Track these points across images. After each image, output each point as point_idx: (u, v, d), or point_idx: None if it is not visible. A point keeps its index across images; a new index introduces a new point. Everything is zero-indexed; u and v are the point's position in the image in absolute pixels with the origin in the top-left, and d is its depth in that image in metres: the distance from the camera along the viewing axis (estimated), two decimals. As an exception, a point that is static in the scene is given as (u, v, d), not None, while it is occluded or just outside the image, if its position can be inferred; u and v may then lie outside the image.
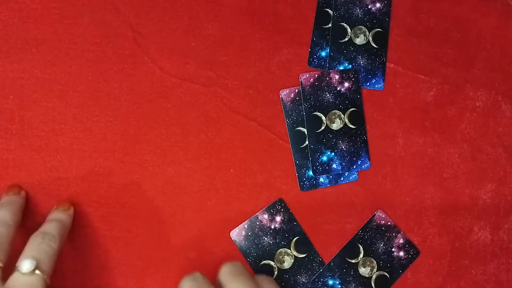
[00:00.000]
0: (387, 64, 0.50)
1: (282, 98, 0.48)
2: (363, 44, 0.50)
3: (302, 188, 0.48)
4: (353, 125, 0.49)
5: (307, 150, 0.48)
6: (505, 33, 0.52)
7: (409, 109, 0.50)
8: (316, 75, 0.49)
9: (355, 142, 0.49)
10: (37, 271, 0.37)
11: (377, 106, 0.50)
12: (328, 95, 0.49)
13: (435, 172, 0.50)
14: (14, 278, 0.37)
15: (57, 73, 0.46)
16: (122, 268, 0.46)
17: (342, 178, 0.49)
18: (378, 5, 0.50)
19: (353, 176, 0.49)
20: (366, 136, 0.49)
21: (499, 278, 0.50)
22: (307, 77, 0.49)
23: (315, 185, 0.48)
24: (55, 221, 0.42)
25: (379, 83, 0.50)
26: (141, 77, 0.47)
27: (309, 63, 0.49)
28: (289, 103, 0.48)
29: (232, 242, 0.47)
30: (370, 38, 0.50)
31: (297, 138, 0.48)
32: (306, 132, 0.48)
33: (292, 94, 0.48)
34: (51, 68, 0.46)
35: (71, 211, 0.44)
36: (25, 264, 0.37)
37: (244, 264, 0.46)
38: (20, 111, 0.45)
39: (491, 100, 0.51)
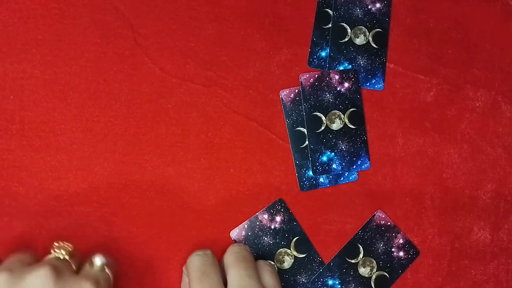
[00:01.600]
0: (387, 64, 0.50)
1: (282, 98, 0.48)
2: (363, 44, 0.50)
3: (302, 188, 0.48)
4: (353, 125, 0.49)
5: (307, 150, 0.48)
6: (505, 33, 0.52)
7: (409, 109, 0.50)
8: (316, 75, 0.49)
9: (355, 142, 0.49)
10: (106, 269, 0.41)
11: (377, 106, 0.50)
12: (328, 95, 0.49)
13: (435, 172, 0.50)
14: (87, 271, 0.40)
15: (57, 73, 0.46)
16: (122, 268, 0.46)
17: (342, 178, 0.49)
18: (378, 5, 0.50)
19: (353, 176, 0.49)
20: (366, 136, 0.49)
21: (498, 278, 0.50)
22: (307, 77, 0.49)
23: (315, 185, 0.48)
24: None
25: (379, 83, 0.50)
26: (141, 77, 0.47)
27: (309, 63, 0.49)
28: (289, 103, 0.48)
29: (232, 242, 0.47)
30: (370, 38, 0.50)
31: (297, 138, 0.48)
32: (306, 132, 0.48)
33: (292, 94, 0.48)
34: (51, 68, 0.46)
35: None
36: (98, 260, 0.40)
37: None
38: (20, 111, 0.45)
39: (491, 100, 0.51)
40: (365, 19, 0.50)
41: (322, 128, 0.49)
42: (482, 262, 0.50)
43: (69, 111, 0.46)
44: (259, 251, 0.47)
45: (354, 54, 0.49)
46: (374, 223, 0.49)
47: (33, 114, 0.45)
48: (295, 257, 0.48)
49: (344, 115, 0.49)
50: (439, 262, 0.49)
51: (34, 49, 0.45)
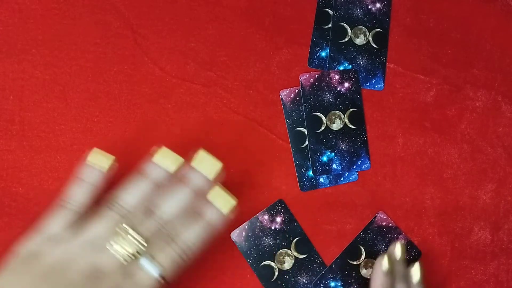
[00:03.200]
0: (387, 64, 0.50)
1: (282, 98, 0.48)
2: (363, 44, 0.50)
3: (302, 188, 0.48)
4: (353, 125, 0.49)
5: (307, 150, 0.48)
6: (505, 33, 0.52)
7: (409, 109, 0.50)
8: (316, 75, 0.49)
9: (355, 142, 0.49)
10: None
11: (377, 106, 0.50)
12: (328, 95, 0.49)
13: (435, 172, 0.50)
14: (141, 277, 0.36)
15: (57, 73, 0.46)
16: (122, 269, 0.46)
17: (342, 178, 0.49)
18: (378, 5, 0.50)
19: (353, 176, 0.49)
20: (366, 136, 0.49)
21: (499, 278, 0.50)
22: (307, 77, 0.49)
23: (315, 185, 0.48)
24: None
25: (379, 83, 0.50)
26: (141, 78, 0.47)
27: (309, 63, 0.49)
28: (289, 103, 0.48)
29: (233, 243, 0.47)
30: (370, 38, 0.50)
31: (297, 138, 0.48)
32: (306, 132, 0.48)
33: (292, 94, 0.48)
34: (51, 69, 0.46)
35: None
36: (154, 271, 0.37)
37: (244, 264, 0.46)
38: (20, 112, 0.45)
39: (491, 100, 0.51)
40: (365, 19, 0.50)
41: (322, 128, 0.48)
42: (482, 262, 0.50)
43: (69, 111, 0.46)
44: (260, 252, 0.47)
45: (354, 54, 0.49)
46: (376, 225, 0.49)
47: (33, 114, 0.45)
48: (296, 258, 0.48)
49: (344, 115, 0.49)
50: (439, 262, 0.49)
51: (34, 49, 0.45)
